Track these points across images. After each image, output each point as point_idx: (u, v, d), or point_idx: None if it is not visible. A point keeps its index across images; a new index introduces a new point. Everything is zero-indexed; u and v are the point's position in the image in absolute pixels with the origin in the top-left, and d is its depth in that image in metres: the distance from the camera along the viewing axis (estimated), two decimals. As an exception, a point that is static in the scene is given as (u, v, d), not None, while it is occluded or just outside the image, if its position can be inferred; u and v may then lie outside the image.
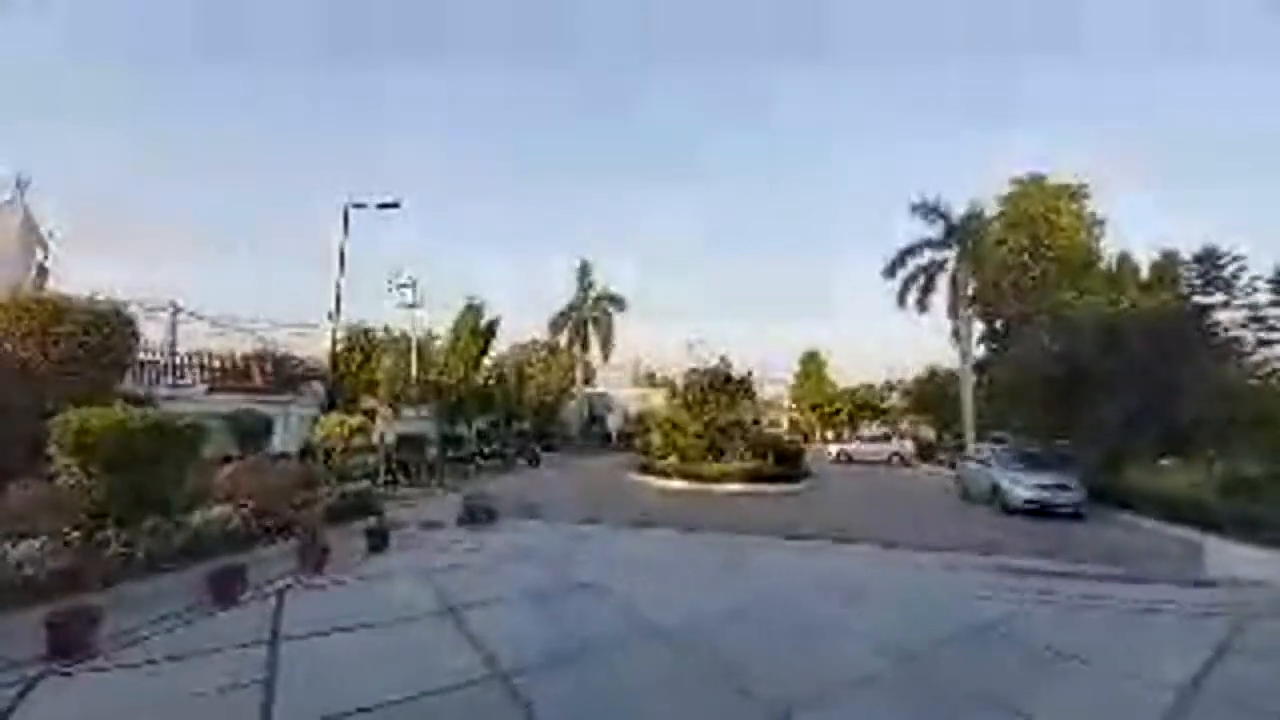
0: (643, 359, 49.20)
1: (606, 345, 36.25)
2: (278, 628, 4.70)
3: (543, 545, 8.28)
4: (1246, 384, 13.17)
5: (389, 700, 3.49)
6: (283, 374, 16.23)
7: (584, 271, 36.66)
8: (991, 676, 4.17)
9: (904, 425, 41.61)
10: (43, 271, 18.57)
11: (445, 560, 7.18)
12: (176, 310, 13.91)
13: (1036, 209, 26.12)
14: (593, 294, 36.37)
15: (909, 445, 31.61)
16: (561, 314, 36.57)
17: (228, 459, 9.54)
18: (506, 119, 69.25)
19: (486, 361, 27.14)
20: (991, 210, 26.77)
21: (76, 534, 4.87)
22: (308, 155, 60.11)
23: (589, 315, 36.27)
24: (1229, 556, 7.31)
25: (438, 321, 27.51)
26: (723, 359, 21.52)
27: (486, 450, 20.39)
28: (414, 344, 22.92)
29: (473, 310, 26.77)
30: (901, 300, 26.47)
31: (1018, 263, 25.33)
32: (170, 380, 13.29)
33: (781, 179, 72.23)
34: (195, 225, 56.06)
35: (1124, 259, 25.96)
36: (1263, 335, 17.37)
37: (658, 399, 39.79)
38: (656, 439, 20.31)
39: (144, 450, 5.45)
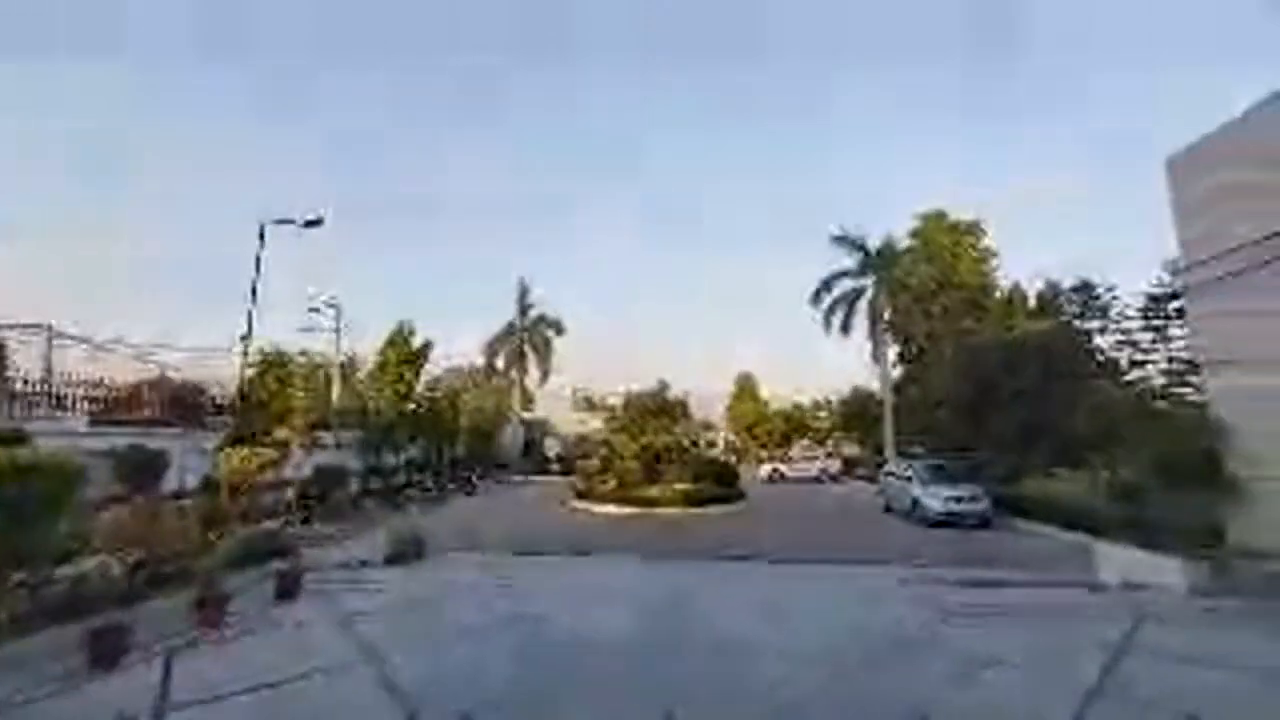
0: (582, 383, 48.80)
1: (545, 369, 35.73)
2: (165, 695, 4.19)
3: (472, 581, 7.94)
4: (1124, 399, 14.85)
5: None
6: (182, 403, 14.78)
7: (522, 292, 36.14)
8: (915, 685, 4.37)
9: (830, 443, 43.58)
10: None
11: (362, 604, 6.71)
12: (53, 333, 12.40)
13: (941, 242, 28.66)
14: (531, 315, 35.89)
15: (836, 463, 33.05)
16: (498, 336, 35.78)
17: (114, 500, 8.51)
18: (441, 133, 67.81)
19: (418, 386, 25.95)
20: (903, 244, 29.07)
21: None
22: (208, 168, 55.95)
23: (527, 337, 35.70)
24: (1117, 560, 8.01)
25: (370, 344, 26.04)
26: (660, 382, 21.77)
27: (418, 480, 19.38)
28: (336, 369, 21.59)
29: (402, 333, 25.64)
30: (827, 324, 28.02)
31: (927, 291, 27.54)
32: (45, 413, 11.76)
33: (719, 197, 74.77)
34: (105, 242, 50.48)
35: (1015, 288, 28.81)
36: (1135, 357, 19.86)
37: (597, 423, 39.52)
38: (594, 464, 20.11)
39: (10, 495, 4.76)
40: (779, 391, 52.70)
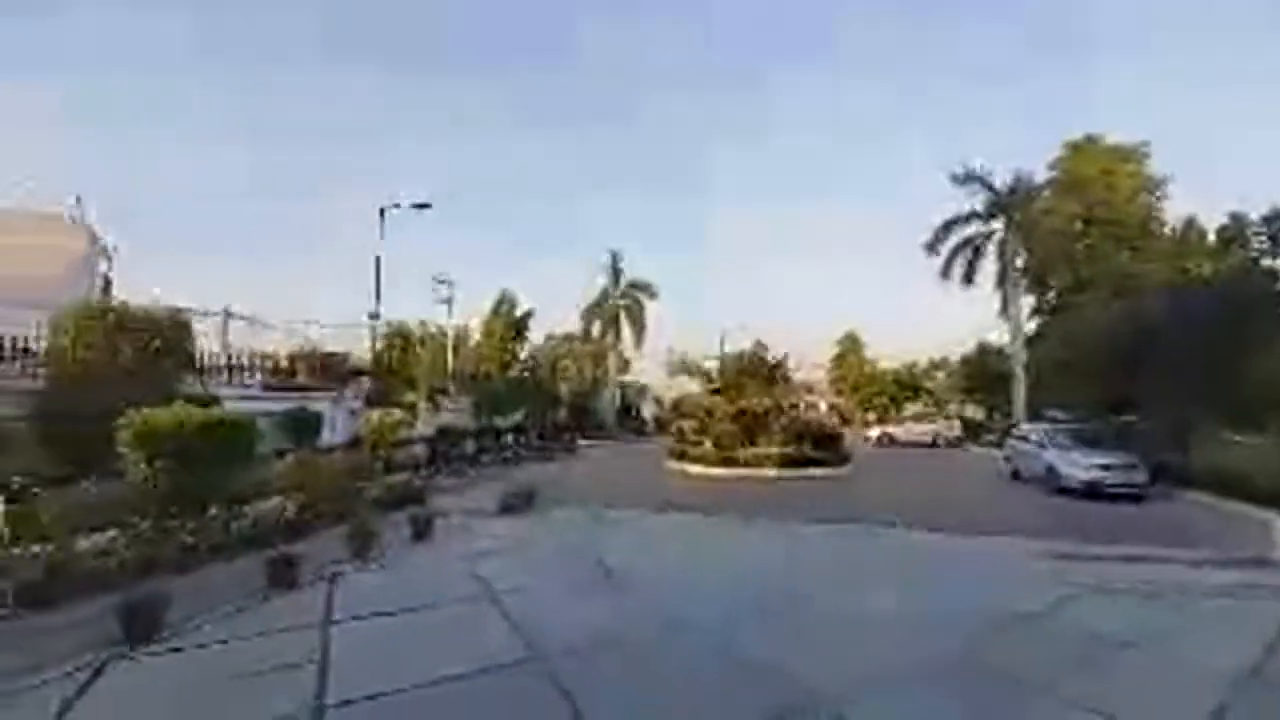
0: (679, 346, 49.01)
1: (639, 333, 36.26)
2: (330, 612, 4.93)
3: (576, 532, 8.40)
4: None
5: (431, 680, 3.62)
6: (331, 372, 16.92)
7: (614, 260, 36.67)
8: (1039, 665, 4.00)
9: (951, 406, 40.23)
10: (108, 283, 19.85)
11: (484, 546, 7.38)
12: (229, 315, 14.66)
13: (1091, 172, 24.57)
14: (624, 282, 36.38)
15: (955, 426, 30.51)
16: (593, 304, 36.74)
17: (282, 453, 10.03)
18: (537, 119, 69.60)
19: (521, 354, 27.55)
20: (1040, 177, 25.34)
21: (146, 525, 5.21)
22: (336, 157, 61.95)
23: (621, 304, 36.31)
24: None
25: (473, 314, 28.00)
26: (759, 343, 21.23)
27: (524, 441, 20.77)
28: (450, 340, 23.48)
29: (505, 303, 27.16)
30: (946, 274, 25.48)
31: (1070, 231, 23.95)
32: (229, 380, 14.03)
33: (819, 154, 70.18)
34: (239, 228, 58.74)
35: (1190, 223, 24.16)
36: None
37: (693, 386, 39.62)
38: (691, 425, 20.24)
39: (202, 446, 5.77)
40: (890, 351, 49.30)
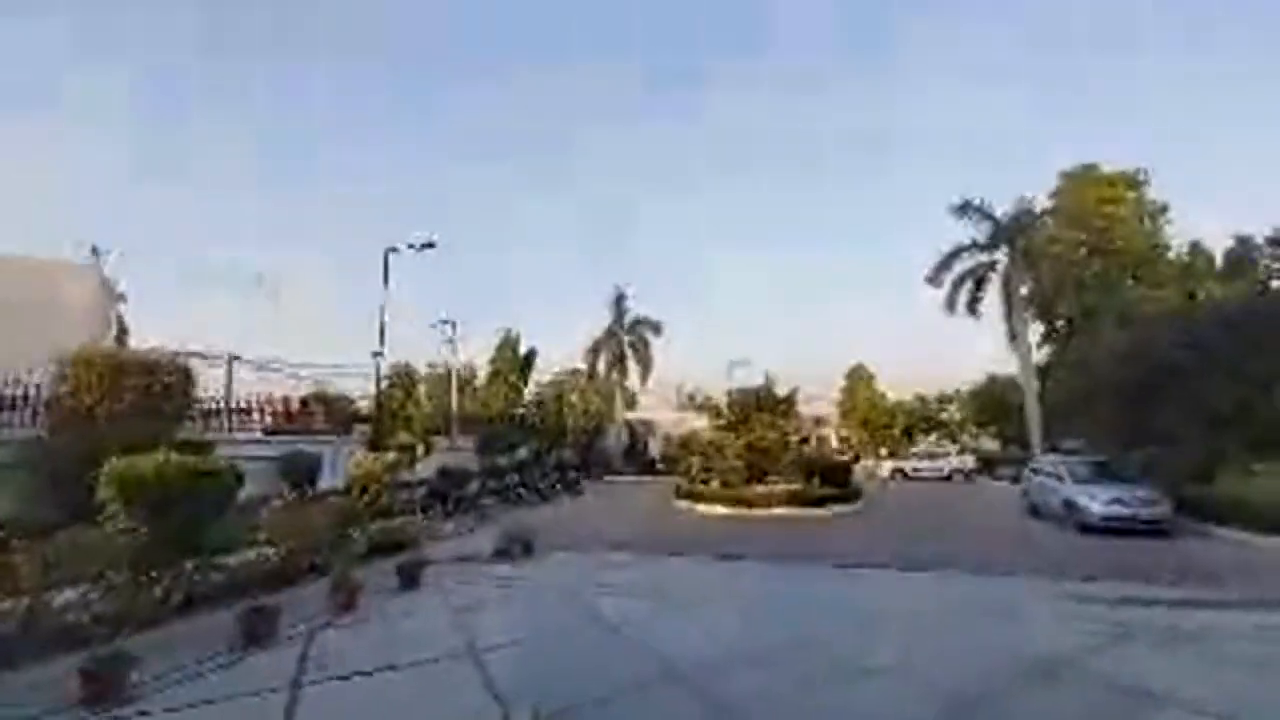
0: (684, 382, 48.75)
1: (645, 370, 36.20)
2: (302, 671, 4.69)
3: (575, 580, 8.08)
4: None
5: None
6: (334, 415, 16.90)
7: (619, 296, 36.98)
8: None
9: (964, 438, 39.39)
10: (123, 329, 20.24)
11: (475, 597, 7.10)
12: (233, 359, 14.81)
13: (1091, 201, 24.64)
14: (629, 318, 36.58)
15: (969, 459, 29.76)
16: (598, 341, 36.86)
17: (274, 498, 9.87)
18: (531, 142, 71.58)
19: (527, 393, 27.53)
20: (1042, 206, 25.42)
21: (119, 578, 5.05)
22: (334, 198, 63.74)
23: (626, 340, 36.40)
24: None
25: (477, 349, 28.19)
26: (766, 377, 21.03)
27: (528, 480, 20.47)
28: (453, 379, 23.53)
29: (509, 342, 27.31)
30: (951, 306, 25.32)
31: (1076, 259, 23.85)
32: (228, 424, 14.04)
33: (819, 186, 71.20)
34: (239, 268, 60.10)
35: (1196, 247, 23.98)
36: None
37: (700, 422, 39.18)
38: (697, 463, 19.86)
39: (182, 494, 5.65)
40: (899, 384, 48.67)
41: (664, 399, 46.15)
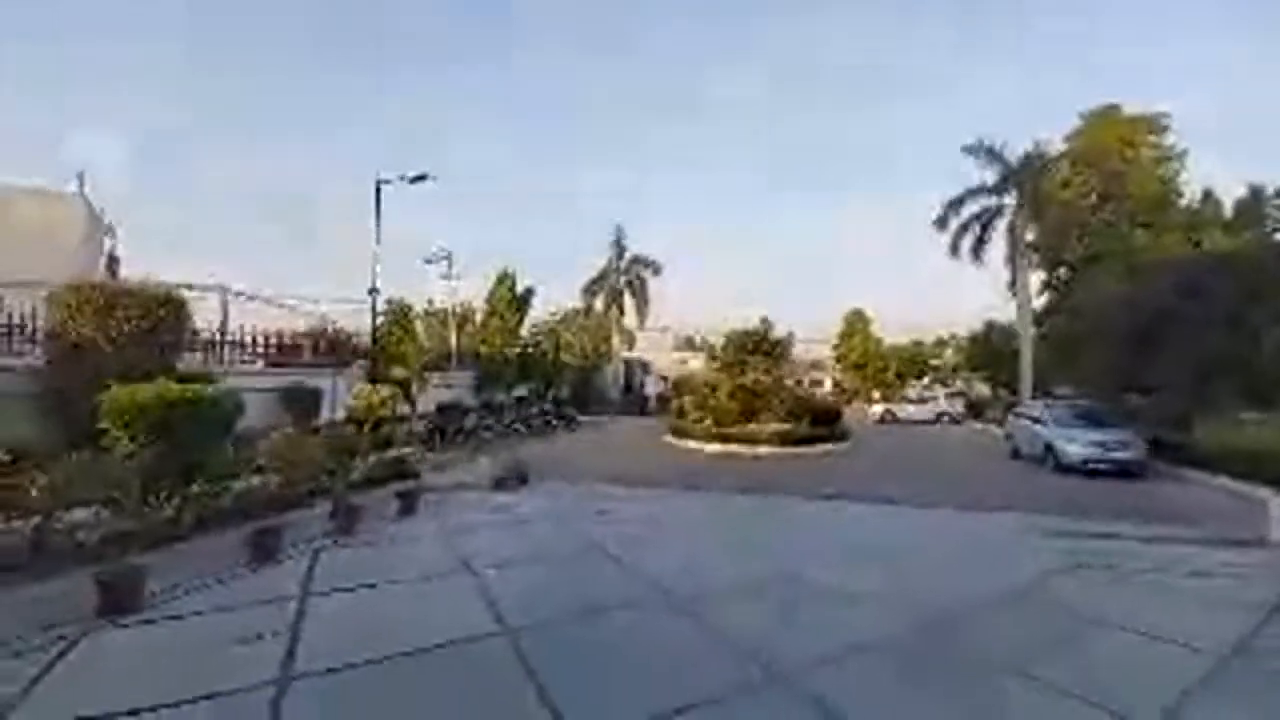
0: (682, 322, 48.78)
1: (642, 309, 36.08)
2: (308, 584, 5.02)
3: (566, 507, 8.46)
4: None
5: (398, 652, 3.66)
6: (336, 349, 16.98)
7: (618, 235, 36.28)
8: (1019, 644, 3.98)
9: (957, 383, 39.92)
10: (114, 260, 19.93)
11: (470, 520, 7.47)
12: (226, 292, 14.72)
13: (1109, 143, 23.73)
14: (627, 257, 36.05)
15: (957, 404, 30.29)
16: (595, 280, 36.49)
17: (276, 429, 10.11)
18: (534, 96, 68.04)
19: (524, 330, 27.55)
20: (1056, 150, 24.50)
21: (128, 500, 5.28)
22: (344, 136, 61.35)
23: (624, 279, 36.05)
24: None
25: (476, 291, 27.94)
26: (763, 319, 21.05)
27: (525, 416, 20.88)
28: (450, 315, 23.48)
29: (507, 279, 27.05)
30: (954, 250, 24.94)
31: (1085, 204, 23.25)
32: (227, 358, 14.12)
33: (823, 128, 68.37)
34: (246, 201, 58.68)
35: (1207, 196, 23.34)
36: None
37: (697, 363, 39.51)
38: (690, 401, 20.23)
39: (183, 421, 5.81)
40: (897, 329, 48.77)
41: (663, 341, 46.45)
